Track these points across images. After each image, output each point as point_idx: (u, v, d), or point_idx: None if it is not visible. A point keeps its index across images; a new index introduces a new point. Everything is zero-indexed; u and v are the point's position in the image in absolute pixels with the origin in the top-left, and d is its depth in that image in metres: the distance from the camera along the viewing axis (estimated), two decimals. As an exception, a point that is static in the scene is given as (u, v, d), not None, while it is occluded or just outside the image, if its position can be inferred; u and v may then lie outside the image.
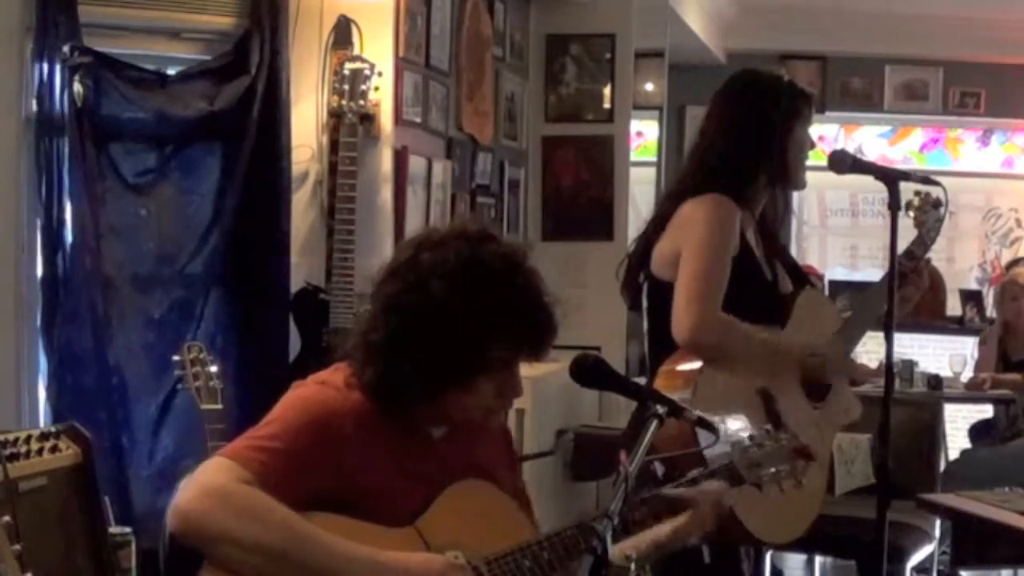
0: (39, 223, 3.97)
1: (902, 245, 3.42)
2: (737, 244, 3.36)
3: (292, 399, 2.43)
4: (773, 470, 2.69)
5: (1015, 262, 8.76)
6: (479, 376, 2.40)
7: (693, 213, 3.36)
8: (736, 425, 3.09)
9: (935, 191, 3.52)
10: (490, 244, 2.41)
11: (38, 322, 3.99)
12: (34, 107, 3.96)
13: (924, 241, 3.58)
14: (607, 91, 6.60)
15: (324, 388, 2.43)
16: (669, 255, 3.38)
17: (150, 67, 4.28)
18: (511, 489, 2.61)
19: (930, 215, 3.57)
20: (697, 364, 3.25)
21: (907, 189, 3.34)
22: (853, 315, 3.56)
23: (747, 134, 3.44)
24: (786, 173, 3.49)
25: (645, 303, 3.53)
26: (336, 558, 2.27)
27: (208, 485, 2.28)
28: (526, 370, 2.50)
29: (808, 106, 3.52)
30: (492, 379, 2.41)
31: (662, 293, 3.38)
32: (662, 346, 3.37)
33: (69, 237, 3.99)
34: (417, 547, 2.38)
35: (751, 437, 2.72)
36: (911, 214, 3.55)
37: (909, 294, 3.56)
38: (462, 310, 2.34)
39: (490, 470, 2.57)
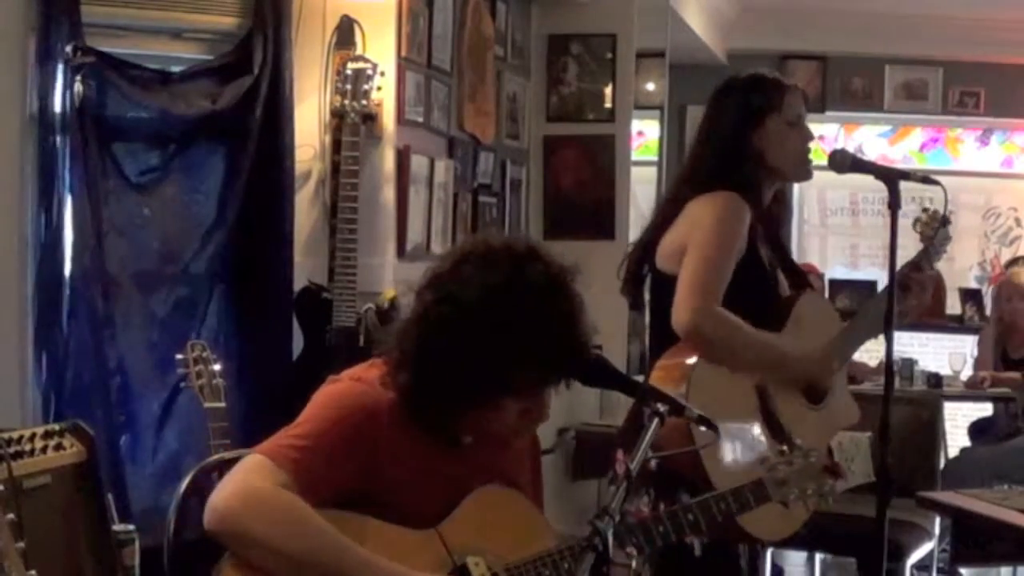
0: (42, 222, 3.98)
1: (904, 248, 3.43)
2: (745, 244, 3.37)
3: (327, 395, 2.43)
4: (800, 489, 2.69)
5: (1014, 261, 8.78)
6: (505, 398, 2.38)
7: (703, 209, 3.37)
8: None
9: (941, 205, 3.53)
10: (535, 264, 2.36)
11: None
12: (37, 107, 3.97)
13: (930, 256, 3.59)
14: (608, 91, 6.61)
15: (359, 385, 2.42)
16: (675, 249, 3.38)
17: (153, 67, 4.28)
18: (532, 497, 2.61)
19: (939, 233, 3.57)
20: (692, 359, 3.25)
21: (910, 194, 3.35)
22: (854, 322, 3.56)
23: (725, 132, 3.45)
24: (769, 166, 3.48)
25: (648, 297, 3.54)
26: (365, 574, 2.28)
27: (246, 487, 2.28)
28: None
29: (780, 97, 3.48)
30: (518, 402, 2.40)
31: (665, 287, 3.37)
32: (663, 340, 3.37)
33: (70, 236, 4.01)
34: (439, 552, 2.39)
35: (780, 453, 2.72)
36: (918, 229, 3.57)
37: (910, 307, 3.56)
38: (495, 331, 2.31)
39: (515, 477, 2.56)
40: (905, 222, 3.41)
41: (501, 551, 2.42)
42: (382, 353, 2.46)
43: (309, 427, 2.36)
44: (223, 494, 2.29)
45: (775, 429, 3.26)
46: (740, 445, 3.17)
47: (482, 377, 2.34)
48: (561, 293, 2.36)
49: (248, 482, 2.29)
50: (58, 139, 3.95)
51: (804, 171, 3.57)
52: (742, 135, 3.44)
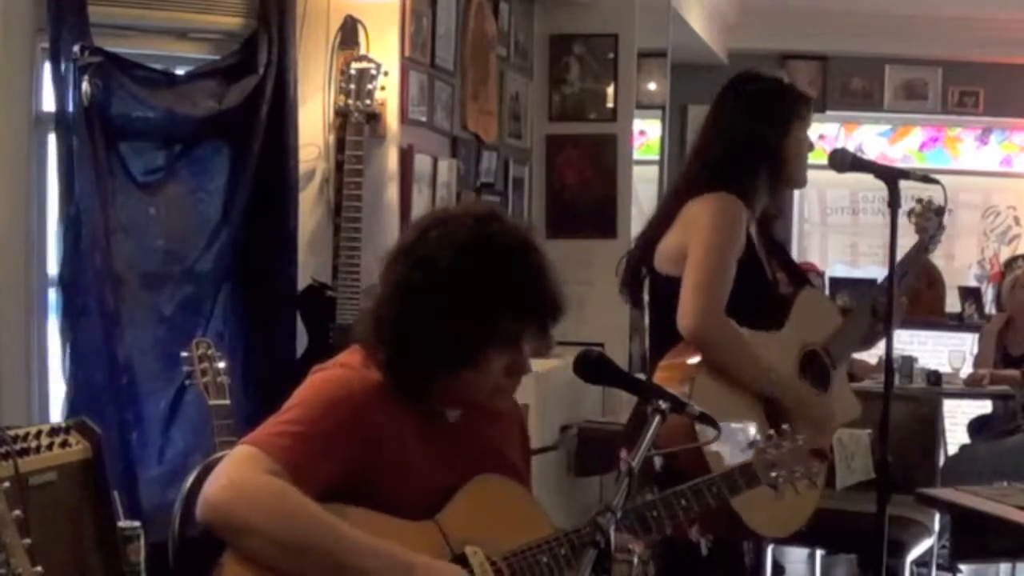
0: (57, 222, 4.00)
1: (904, 248, 3.46)
2: (743, 243, 3.40)
3: (314, 382, 2.44)
4: (789, 472, 2.72)
5: (1013, 259, 8.81)
6: (488, 351, 2.40)
7: (701, 211, 3.40)
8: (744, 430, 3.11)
9: (936, 198, 3.56)
10: (497, 222, 2.43)
11: (53, 320, 4.03)
12: (44, 106, 4.00)
13: (926, 246, 3.62)
14: (610, 90, 6.64)
15: (347, 371, 2.44)
16: (675, 251, 3.41)
17: (159, 67, 4.30)
18: (523, 474, 2.63)
19: (931, 222, 3.60)
20: (697, 359, 3.28)
21: (908, 192, 3.37)
22: (844, 326, 3.59)
23: (746, 135, 3.47)
24: (785, 173, 3.52)
25: (647, 298, 3.57)
26: (361, 556, 2.28)
27: (236, 477, 2.29)
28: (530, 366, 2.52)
29: (807, 108, 3.56)
30: (500, 355, 2.41)
31: (666, 288, 3.41)
32: (663, 340, 3.40)
33: (79, 235, 4.02)
34: (437, 541, 2.40)
35: (768, 438, 2.75)
36: (912, 220, 3.59)
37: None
38: (469, 282, 2.35)
39: (505, 452, 2.59)
40: (904, 219, 3.45)
41: (499, 540, 2.43)
42: (359, 337, 2.49)
43: (300, 413, 2.37)
44: (214, 486, 2.30)
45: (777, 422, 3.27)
46: (744, 443, 3.20)
47: (464, 332, 2.37)
48: (527, 245, 2.43)
49: (239, 472, 2.30)
50: (65, 139, 3.97)
51: (804, 179, 3.62)
52: (772, 139, 3.47)
